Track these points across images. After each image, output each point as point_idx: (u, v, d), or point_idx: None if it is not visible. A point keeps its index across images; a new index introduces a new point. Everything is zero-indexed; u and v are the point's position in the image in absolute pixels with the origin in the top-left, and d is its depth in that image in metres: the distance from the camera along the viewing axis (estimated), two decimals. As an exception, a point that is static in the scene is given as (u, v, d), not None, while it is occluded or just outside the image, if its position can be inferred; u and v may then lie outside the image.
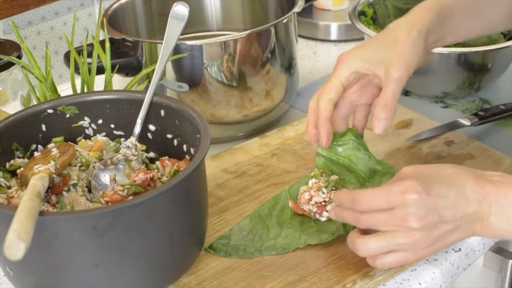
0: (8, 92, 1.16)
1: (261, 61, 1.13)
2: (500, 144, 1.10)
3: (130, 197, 0.86)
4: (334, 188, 0.95)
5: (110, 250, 0.77)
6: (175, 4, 0.96)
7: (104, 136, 0.95)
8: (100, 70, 1.05)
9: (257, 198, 1.00)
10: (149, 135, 0.94)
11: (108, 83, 1.04)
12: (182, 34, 0.96)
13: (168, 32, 0.96)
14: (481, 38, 1.25)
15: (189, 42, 1.09)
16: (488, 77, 1.24)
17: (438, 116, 1.18)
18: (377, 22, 1.35)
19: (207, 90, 1.12)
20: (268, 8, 1.31)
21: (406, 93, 1.29)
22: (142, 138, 0.94)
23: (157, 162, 0.92)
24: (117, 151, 0.94)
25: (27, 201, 0.73)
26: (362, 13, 1.34)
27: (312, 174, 0.98)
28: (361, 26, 1.27)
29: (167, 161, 0.91)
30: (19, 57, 1.13)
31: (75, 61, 1.03)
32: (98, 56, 1.04)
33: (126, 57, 1.11)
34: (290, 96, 1.22)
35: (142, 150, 0.94)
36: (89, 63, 1.04)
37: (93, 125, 0.95)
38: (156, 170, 0.91)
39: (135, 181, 0.88)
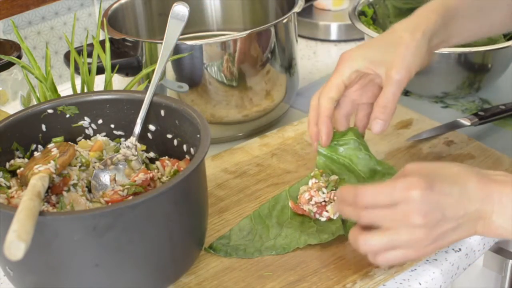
0: (8, 92, 1.16)
1: (261, 61, 1.13)
2: (500, 144, 1.10)
3: (130, 197, 0.86)
4: (334, 188, 0.95)
5: (110, 250, 0.77)
6: (175, 4, 0.96)
7: (104, 136, 0.95)
8: (100, 70, 1.05)
9: (257, 198, 1.00)
10: (149, 135, 0.94)
11: (108, 83, 1.04)
12: (182, 34, 0.96)
13: (168, 32, 0.96)
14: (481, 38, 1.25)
15: (189, 42, 1.09)
16: (488, 77, 1.24)
17: (438, 116, 1.18)
18: (377, 22, 1.35)
19: (207, 90, 1.12)
20: (268, 8, 1.31)
21: (406, 93, 1.29)
22: (142, 138, 0.94)
23: (157, 162, 0.92)
24: (117, 151, 0.94)
25: (27, 201, 0.73)
26: (362, 13, 1.34)
27: (312, 174, 0.98)
28: (361, 26, 1.27)
29: (167, 161, 0.91)
30: (19, 57, 1.13)
31: (75, 61, 1.03)
32: (98, 56, 1.04)
33: (126, 57, 1.11)
34: (290, 96, 1.22)
35: (142, 150, 0.94)
36: (89, 63, 1.04)
37: (93, 125, 0.95)
38: (156, 170, 0.91)
39: (135, 181, 0.88)
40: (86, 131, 0.95)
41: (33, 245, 0.68)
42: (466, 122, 1.13)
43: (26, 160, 0.90)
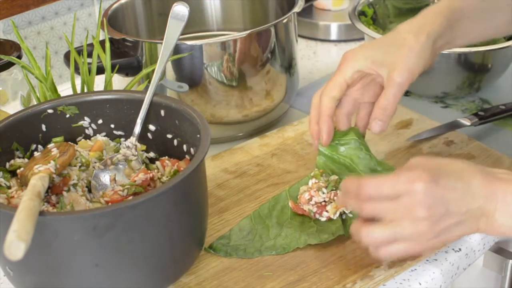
0: (8, 92, 1.16)
1: (261, 61, 1.13)
2: (500, 144, 1.10)
3: (130, 197, 0.86)
4: (334, 188, 0.95)
5: (110, 250, 0.77)
6: (175, 4, 0.96)
7: (104, 136, 0.95)
8: (100, 70, 1.05)
9: (257, 198, 1.00)
10: (149, 135, 0.94)
11: (108, 83, 1.04)
12: (182, 34, 0.96)
13: (168, 32, 0.96)
14: (481, 38, 1.25)
15: (189, 42, 1.09)
16: (488, 77, 1.24)
17: (438, 116, 1.18)
18: (377, 22, 1.35)
19: (207, 90, 1.12)
20: (268, 8, 1.31)
21: (406, 93, 1.28)
22: (142, 138, 0.94)
23: (157, 162, 0.92)
24: (117, 151, 0.94)
25: (27, 201, 0.73)
26: (362, 13, 1.34)
27: (312, 174, 0.98)
28: (361, 26, 1.27)
29: (167, 161, 0.91)
30: (19, 57, 1.13)
31: (75, 61, 1.03)
32: (98, 56, 1.04)
33: (126, 57, 1.11)
34: (290, 96, 1.22)
35: (142, 150, 0.94)
36: (89, 63, 1.04)
37: (93, 125, 0.95)
38: (156, 170, 0.91)
39: (135, 181, 0.88)
40: (86, 131, 0.95)
41: (33, 245, 0.68)
42: (466, 122, 1.13)
43: (26, 160, 0.90)
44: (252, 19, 1.32)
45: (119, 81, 1.16)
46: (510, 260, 1.07)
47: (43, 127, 0.92)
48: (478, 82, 1.24)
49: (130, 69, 1.11)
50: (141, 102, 0.92)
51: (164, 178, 0.90)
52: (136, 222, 0.77)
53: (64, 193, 0.87)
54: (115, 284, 0.79)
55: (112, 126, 0.95)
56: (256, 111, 1.16)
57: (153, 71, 0.96)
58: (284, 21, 1.14)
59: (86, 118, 0.94)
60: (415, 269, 0.87)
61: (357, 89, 0.96)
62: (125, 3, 1.24)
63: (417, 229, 0.78)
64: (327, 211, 0.93)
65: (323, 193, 0.94)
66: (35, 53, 1.35)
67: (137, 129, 0.93)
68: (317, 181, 0.96)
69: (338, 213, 0.93)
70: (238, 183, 1.03)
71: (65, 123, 0.93)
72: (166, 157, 0.93)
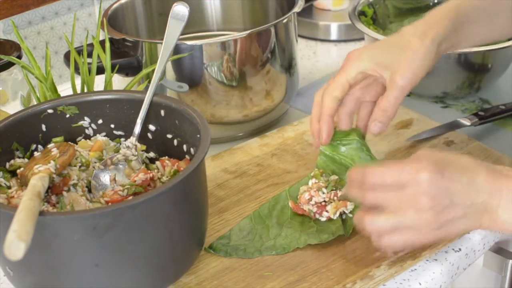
0: (8, 92, 1.16)
1: (261, 61, 1.13)
2: (500, 144, 1.10)
3: (130, 197, 0.86)
4: (334, 188, 0.95)
5: (110, 250, 0.77)
6: (175, 4, 0.96)
7: (104, 136, 0.95)
8: (100, 70, 1.05)
9: (257, 198, 1.00)
10: (149, 135, 0.94)
11: (108, 83, 1.04)
12: (182, 34, 0.96)
13: (168, 32, 0.96)
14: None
15: (189, 42, 1.09)
16: (488, 77, 1.24)
17: (438, 116, 1.18)
18: (377, 22, 1.35)
19: (207, 90, 1.12)
20: (268, 8, 1.31)
21: (406, 93, 1.29)
22: (142, 138, 0.94)
23: (157, 162, 0.92)
24: (117, 151, 0.94)
25: (27, 201, 0.73)
26: (362, 13, 1.34)
27: (312, 174, 0.98)
28: (361, 26, 1.27)
29: (167, 161, 0.91)
30: (19, 57, 1.13)
31: (75, 61, 1.03)
32: (98, 56, 1.04)
33: (126, 57, 1.11)
34: (290, 96, 1.22)
35: (142, 150, 0.94)
36: (89, 63, 1.04)
37: (93, 125, 0.95)
38: (156, 170, 0.91)
39: (135, 181, 0.88)
40: (86, 131, 0.95)
41: (33, 245, 0.68)
42: (466, 122, 1.13)
43: (26, 160, 0.90)
44: (252, 19, 1.32)
45: (119, 81, 1.16)
46: (510, 260, 1.07)
47: (43, 127, 0.92)
48: (478, 82, 1.24)
49: (130, 69, 1.11)
50: (141, 102, 0.92)
51: (164, 178, 0.90)
52: (136, 222, 0.77)
53: (64, 193, 0.87)
54: (115, 284, 0.79)
55: (112, 126, 0.95)
56: (256, 111, 1.16)
57: (153, 71, 0.96)
58: (284, 21, 1.14)
59: (86, 118, 0.94)
60: (415, 269, 0.87)
61: (359, 88, 0.96)
62: (125, 3, 1.24)
63: (421, 219, 0.78)
64: (327, 211, 0.93)
65: (323, 193, 0.94)
66: (35, 53, 1.35)
67: (137, 129, 0.93)
68: (317, 181, 0.96)
69: (338, 213, 0.93)
70: (238, 183, 1.03)
71: (65, 123, 0.93)
72: (166, 157, 0.93)
